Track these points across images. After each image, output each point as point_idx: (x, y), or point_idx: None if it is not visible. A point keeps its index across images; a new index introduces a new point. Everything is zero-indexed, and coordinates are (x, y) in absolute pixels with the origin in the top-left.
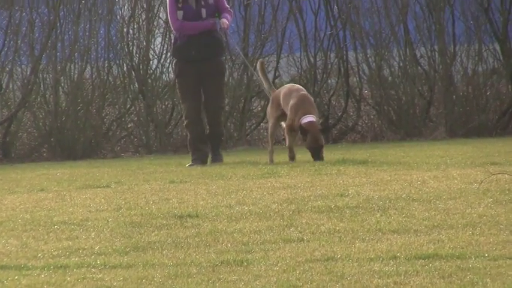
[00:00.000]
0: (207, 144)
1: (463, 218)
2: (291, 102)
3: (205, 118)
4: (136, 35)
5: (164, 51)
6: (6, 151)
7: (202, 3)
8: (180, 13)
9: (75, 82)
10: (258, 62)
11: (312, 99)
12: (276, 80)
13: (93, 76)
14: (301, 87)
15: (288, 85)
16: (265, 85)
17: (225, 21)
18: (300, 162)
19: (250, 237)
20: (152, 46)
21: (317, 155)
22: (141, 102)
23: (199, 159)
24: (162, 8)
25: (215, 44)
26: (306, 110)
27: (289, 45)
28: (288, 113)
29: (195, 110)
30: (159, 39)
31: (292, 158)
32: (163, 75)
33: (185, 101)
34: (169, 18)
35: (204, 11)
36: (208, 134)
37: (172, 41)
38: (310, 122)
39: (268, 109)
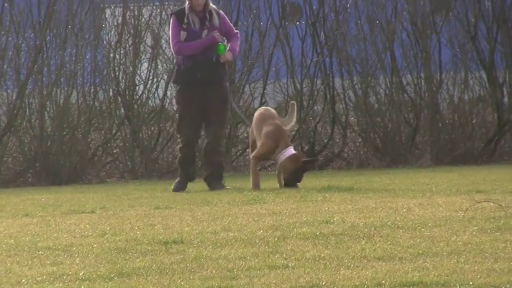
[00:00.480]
0: (195, 166)
1: (448, 245)
2: (267, 129)
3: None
4: (123, 60)
5: (150, 77)
6: None
7: (207, 24)
8: (184, 34)
9: (61, 107)
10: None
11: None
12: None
13: (79, 101)
14: (274, 112)
15: (262, 109)
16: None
17: (228, 56)
18: (285, 189)
19: (235, 263)
20: (138, 71)
21: (294, 185)
22: (126, 128)
23: (183, 182)
24: (148, 33)
25: (220, 68)
26: (286, 141)
27: (276, 71)
28: (262, 139)
29: (194, 138)
30: (145, 65)
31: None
32: (150, 101)
33: (185, 128)
34: (170, 41)
35: (205, 33)
36: (206, 162)
37: (176, 67)
38: (296, 155)
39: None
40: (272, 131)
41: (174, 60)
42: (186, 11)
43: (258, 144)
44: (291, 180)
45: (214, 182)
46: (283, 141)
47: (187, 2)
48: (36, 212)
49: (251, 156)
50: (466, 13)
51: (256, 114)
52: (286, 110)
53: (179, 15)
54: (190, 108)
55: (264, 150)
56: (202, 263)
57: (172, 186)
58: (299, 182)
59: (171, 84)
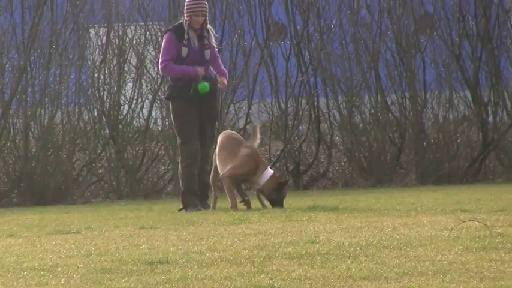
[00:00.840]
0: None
1: (434, 265)
2: (246, 151)
3: None
4: (107, 80)
5: (135, 97)
6: None
7: (206, 43)
8: (185, 50)
9: (46, 127)
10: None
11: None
12: (247, 126)
13: (64, 121)
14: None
15: (229, 132)
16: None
17: (224, 82)
18: (270, 209)
19: (221, 283)
20: (123, 91)
21: (281, 204)
22: (111, 148)
23: (197, 204)
24: (133, 53)
25: (215, 88)
26: (265, 163)
27: (261, 91)
28: (241, 160)
29: (198, 152)
30: (130, 85)
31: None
32: (134, 121)
33: (189, 141)
34: (160, 54)
35: (207, 53)
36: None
37: (171, 83)
38: (276, 174)
39: None
40: (252, 153)
41: (169, 78)
42: (185, 28)
43: (230, 165)
44: (278, 200)
45: (201, 203)
46: (262, 163)
47: (185, 19)
48: (21, 232)
49: (224, 176)
50: (450, 32)
51: (226, 136)
52: (271, 129)
53: (177, 32)
54: (192, 122)
55: (243, 171)
56: (188, 283)
57: (188, 210)
58: (285, 197)
59: (156, 104)
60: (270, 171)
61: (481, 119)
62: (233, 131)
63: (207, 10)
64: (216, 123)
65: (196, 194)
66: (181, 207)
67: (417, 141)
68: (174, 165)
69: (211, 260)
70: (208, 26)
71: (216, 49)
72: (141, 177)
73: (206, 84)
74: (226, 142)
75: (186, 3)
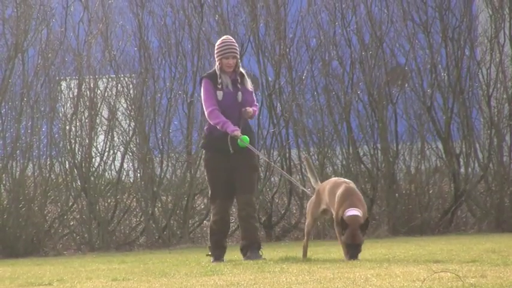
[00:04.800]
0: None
1: None
2: (338, 192)
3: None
4: (79, 132)
5: (107, 149)
6: None
7: (239, 86)
8: (220, 93)
9: (17, 179)
10: (304, 159)
11: (359, 192)
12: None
13: (35, 173)
14: (347, 180)
15: (334, 179)
16: (311, 179)
17: (249, 109)
18: (243, 260)
19: None
20: (95, 144)
21: (351, 253)
22: (83, 200)
23: (221, 257)
24: (104, 105)
25: (251, 136)
26: (352, 202)
27: None
28: (335, 205)
29: (227, 207)
30: (101, 137)
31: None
32: (106, 173)
33: (217, 198)
34: (204, 102)
35: (240, 95)
36: (244, 244)
37: (206, 132)
38: (352, 216)
39: (309, 205)
40: (341, 194)
41: (205, 127)
42: (218, 72)
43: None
44: (346, 246)
45: (252, 252)
46: (348, 201)
47: (217, 64)
48: None
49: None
50: (421, 84)
51: (328, 184)
52: None
53: (212, 78)
54: (221, 176)
55: (335, 215)
56: None
57: (213, 262)
58: (356, 244)
59: (127, 156)
60: (350, 211)
61: (452, 170)
62: (338, 177)
63: (237, 51)
64: (257, 170)
65: (222, 247)
66: (209, 252)
67: (389, 192)
68: (146, 217)
69: None
70: (241, 69)
71: (253, 93)
72: (113, 229)
73: (245, 137)
74: (329, 192)
75: (215, 47)
